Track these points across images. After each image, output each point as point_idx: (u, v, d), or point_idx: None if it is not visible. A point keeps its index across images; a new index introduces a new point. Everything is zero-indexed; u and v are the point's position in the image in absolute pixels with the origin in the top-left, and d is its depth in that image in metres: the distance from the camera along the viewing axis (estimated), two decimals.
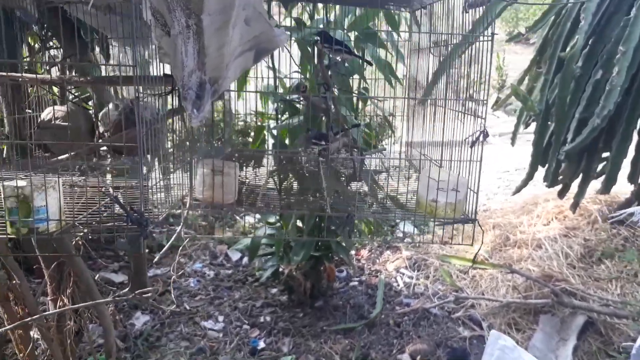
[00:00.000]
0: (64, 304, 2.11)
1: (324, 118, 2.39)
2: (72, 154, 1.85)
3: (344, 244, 2.99)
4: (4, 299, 1.91)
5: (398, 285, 3.53)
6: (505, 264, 3.36)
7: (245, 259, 3.88)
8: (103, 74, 2.52)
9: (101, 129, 2.02)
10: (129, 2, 1.26)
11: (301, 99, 2.73)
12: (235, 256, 3.95)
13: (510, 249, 3.60)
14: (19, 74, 1.50)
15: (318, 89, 2.03)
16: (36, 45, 2.56)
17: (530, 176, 2.97)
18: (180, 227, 1.40)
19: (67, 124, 1.99)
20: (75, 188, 1.45)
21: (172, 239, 1.45)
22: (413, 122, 2.09)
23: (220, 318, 3.17)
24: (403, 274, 3.64)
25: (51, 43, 2.36)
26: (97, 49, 2.37)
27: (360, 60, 2.15)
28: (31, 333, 2.07)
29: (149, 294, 1.34)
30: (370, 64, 2.12)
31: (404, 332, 3.02)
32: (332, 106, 1.65)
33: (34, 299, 2.00)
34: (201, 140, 1.52)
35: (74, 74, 2.24)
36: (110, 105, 2.01)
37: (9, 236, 1.08)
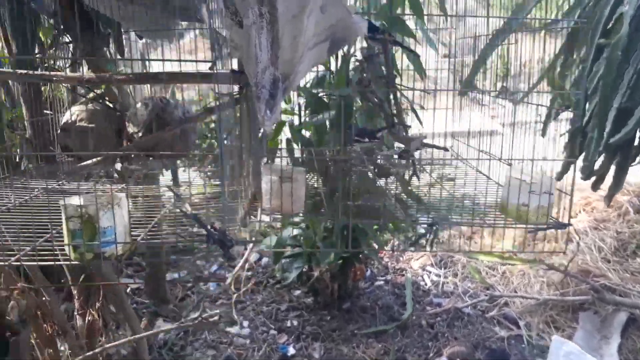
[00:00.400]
0: (93, 318, 1.97)
1: (357, 114, 2.25)
2: (100, 158, 1.71)
3: (375, 245, 2.86)
4: (32, 315, 1.77)
5: (425, 284, 3.41)
6: (536, 259, 3.25)
7: (264, 260, 3.75)
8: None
9: (130, 130, 1.88)
10: None
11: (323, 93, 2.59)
12: (253, 257, 3.81)
13: (539, 243, 3.49)
14: (52, 73, 1.34)
15: (348, 83, 1.89)
16: (48, 41, 2.39)
17: (566, 168, 2.85)
18: (251, 245, 1.26)
19: (93, 125, 1.85)
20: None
21: (247, 254, 1.31)
22: (459, 114, 1.96)
23: (245, 323, 3.04)
24: (430, 272, 3.52)
25: (65, 38, 2.20)
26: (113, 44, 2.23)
27: (405, 50, 2.00)
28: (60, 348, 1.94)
29: (215, 317, 1.20)
30: (418, 55, 1.97)
31: (438, 333, 2.90)
32: (392, 102, 1.51)
33: (64, 316, 1.85)
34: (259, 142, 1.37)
35: (85, 70, 2.09)
36: (139, 105, 1.87)
37: (72, 262, 0.94)
